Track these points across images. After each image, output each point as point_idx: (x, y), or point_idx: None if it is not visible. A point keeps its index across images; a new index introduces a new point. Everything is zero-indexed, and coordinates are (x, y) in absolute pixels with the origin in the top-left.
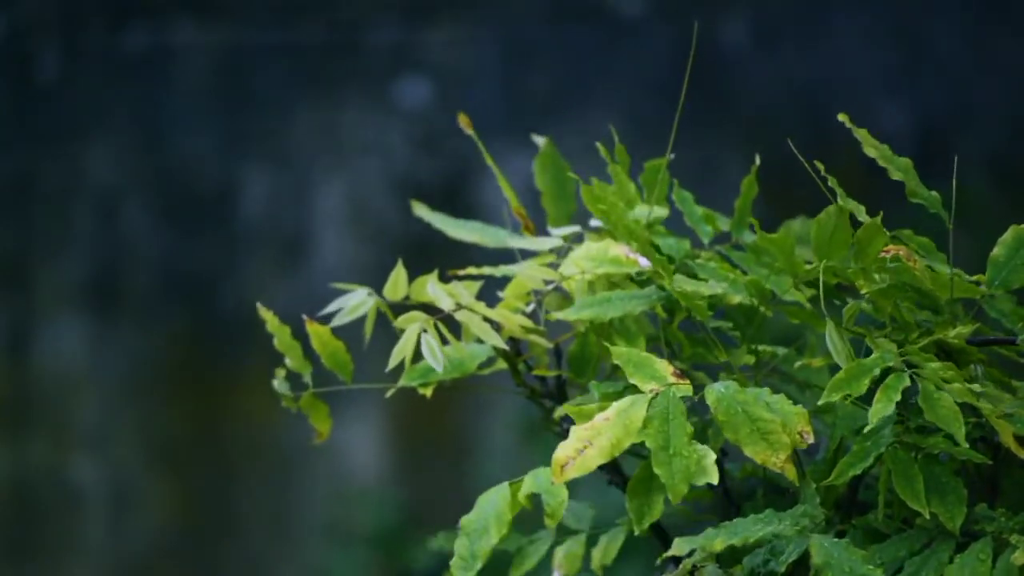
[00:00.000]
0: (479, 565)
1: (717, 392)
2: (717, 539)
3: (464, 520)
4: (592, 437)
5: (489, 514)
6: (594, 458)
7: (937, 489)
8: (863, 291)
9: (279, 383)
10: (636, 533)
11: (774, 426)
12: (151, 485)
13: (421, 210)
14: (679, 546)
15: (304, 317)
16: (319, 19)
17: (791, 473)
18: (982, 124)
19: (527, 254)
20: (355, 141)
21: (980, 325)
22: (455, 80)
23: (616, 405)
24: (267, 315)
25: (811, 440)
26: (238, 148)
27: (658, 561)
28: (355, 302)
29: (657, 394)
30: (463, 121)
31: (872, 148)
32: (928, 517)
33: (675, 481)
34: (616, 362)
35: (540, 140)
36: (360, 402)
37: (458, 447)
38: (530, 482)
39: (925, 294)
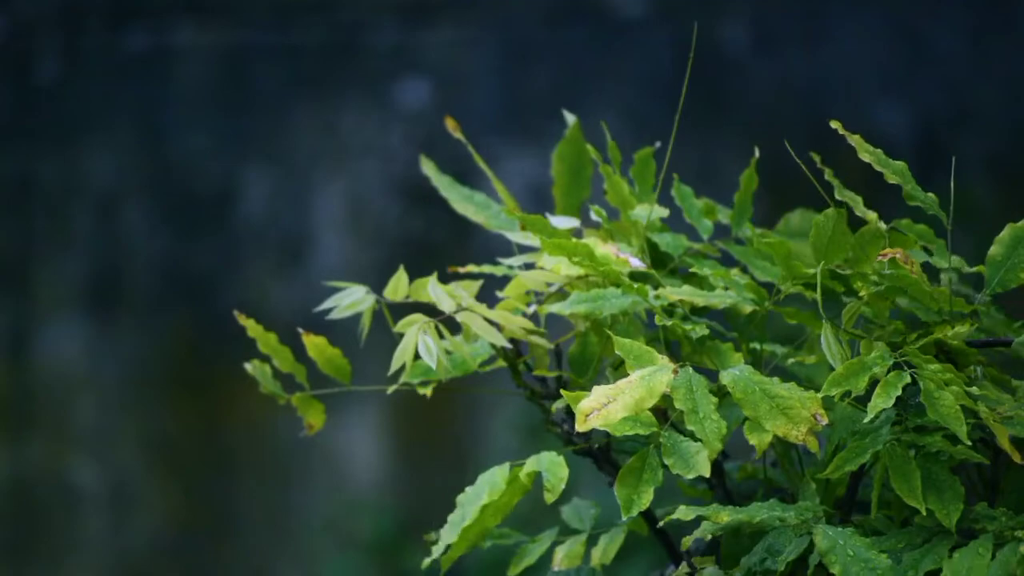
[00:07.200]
0: (467, 523)
1: (732, 374)
2: (723, 512)
3: (459, 497)
4: (616, 394)
5: (484, 484)
6: (618, 411)
7: (934, 486)
8: (861, 294)
9: (253, 368)
10: (623, 517)
11: (792, 401)
12: (150, 485)
13: (429, 168)
14: (684, 512)
15: (300, 330)
16: (319, 20)
17: (813, 445)
18: (981, 124)
19: (524, 250)
20: (355, 142)
21: (979, 325)
22: (455, 81)
23: (639, 371)
24: (247, 321)
25: (824, 422)
26: (238, 149)
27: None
28: (352, 299)
29: (680, 368)
30: (451, 125)
31: (867, 153)
32: (924, 513)
33: (709, 439)
34: (618, 352)
35: (570, 118)
36: (361, 404)
37: (459, 450)
38: (532, 462)
39: (921, 296)
